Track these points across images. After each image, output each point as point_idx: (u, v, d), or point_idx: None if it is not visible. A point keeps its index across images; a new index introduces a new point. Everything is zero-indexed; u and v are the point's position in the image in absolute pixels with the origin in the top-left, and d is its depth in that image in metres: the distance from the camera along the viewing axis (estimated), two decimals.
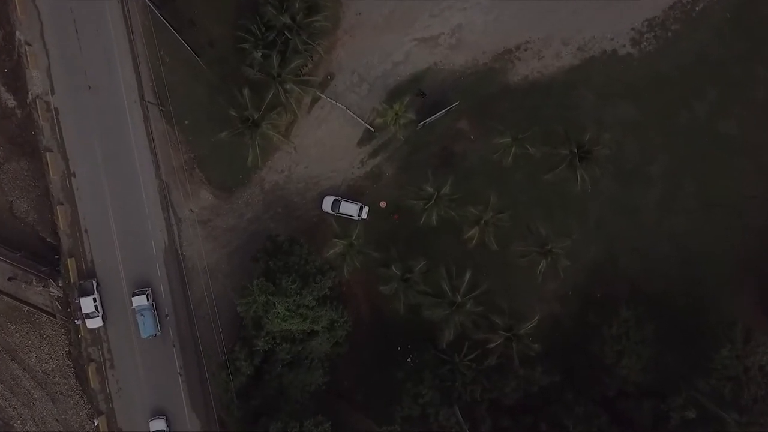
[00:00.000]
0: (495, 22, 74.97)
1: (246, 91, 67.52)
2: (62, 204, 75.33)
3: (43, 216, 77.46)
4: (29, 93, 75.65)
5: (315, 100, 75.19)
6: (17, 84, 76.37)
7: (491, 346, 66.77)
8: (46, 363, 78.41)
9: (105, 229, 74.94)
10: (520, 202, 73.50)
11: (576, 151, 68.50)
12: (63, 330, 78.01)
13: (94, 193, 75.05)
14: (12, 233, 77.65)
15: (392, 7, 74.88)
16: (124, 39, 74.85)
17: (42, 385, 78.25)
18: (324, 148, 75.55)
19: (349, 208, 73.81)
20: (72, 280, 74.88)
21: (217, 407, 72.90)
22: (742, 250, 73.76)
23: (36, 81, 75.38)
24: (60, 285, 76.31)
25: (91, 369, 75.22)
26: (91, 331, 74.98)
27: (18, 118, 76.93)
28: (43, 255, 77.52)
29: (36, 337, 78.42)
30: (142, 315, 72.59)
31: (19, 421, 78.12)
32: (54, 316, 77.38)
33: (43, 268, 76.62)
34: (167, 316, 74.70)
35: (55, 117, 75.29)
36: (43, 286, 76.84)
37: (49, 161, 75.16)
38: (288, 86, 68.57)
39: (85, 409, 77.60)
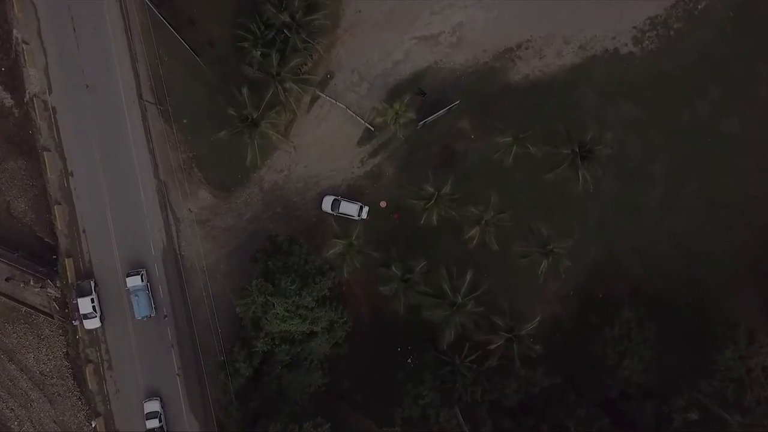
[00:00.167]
0: (496, 20, 74.77)
1: (245, 90, 67.33)
2: (60, 204, 75.02)
3: (41, 216, 77.20)
4: (26, 92, 75.44)
5: (314, 99, 74.96)
6: (14, 83, 76.14)
7: (492, 347, 66.53)
8: (43, 364, 78.09)
9: (103, 229, 74.68)
10: (521, 202, 73.27)
11: (577, 150, 68.26)
12: (61, 331, 77.70)
13: (92, 193, 74.79)
14: (9, 233, 77.41)
15: (392, 5, 74.66)
16: (122, 37, 74.64)
17: (39, 386, 77.90)
18: (323, 148, 75.28)
19: (349, 208, 73.57)
20: (70, 281, 74.65)
21: (216, 409, 72.66)
22: (744, 249, 73.47)
23: (33, 80, 75.14)
24: (58, 285, 75.99)
25: (88, 370, 74.91)
26: (89, 331, 74.69)
27: (15, 117, 76.71)
28: (41, 255, 77.24)
29: (33, 338, 78.13)
30: (136, 296, 72.37)
31: (16, 423, 77.76)
32: (52, 316, 77.07)
33: (41, 269, 76.30)
34: (165, 317, 74.41)
35: (52, 116, 75.05)
36: (40, 287, 76.49)
37: (46, 160, 74.88)
38: (287, 85, 68.39)
39: (83, 410, 77.14)
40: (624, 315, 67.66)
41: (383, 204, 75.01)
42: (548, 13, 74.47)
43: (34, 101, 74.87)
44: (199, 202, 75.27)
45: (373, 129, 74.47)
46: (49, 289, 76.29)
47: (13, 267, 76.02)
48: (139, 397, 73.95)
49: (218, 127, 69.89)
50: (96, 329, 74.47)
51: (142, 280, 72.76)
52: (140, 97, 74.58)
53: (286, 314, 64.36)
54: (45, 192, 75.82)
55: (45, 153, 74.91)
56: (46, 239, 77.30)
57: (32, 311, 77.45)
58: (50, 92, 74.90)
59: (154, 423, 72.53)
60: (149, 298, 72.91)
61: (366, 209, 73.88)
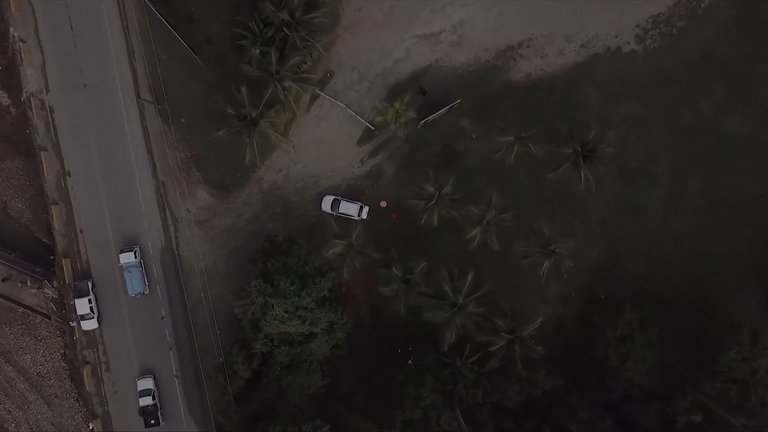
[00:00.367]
0: (497, 18, 74.48)
1: (244, 89, 67.07)
2: (57, 204, 74.63)
3: (38, 216, 76.73)
4: (23, 91, 75.08)
5: (314, 98, 74.61)
6: (11, 82, 75.72)
7: (493, 348, 66.22)
8: (41, 365, 77.63)
9: (100, 229, 74.29)
10: (522, 202, 72.95)
11: (580, 149, 68.03)
12: (58, 332, 77.20)
13: (90, 193, 74.38)
14: (6, 233, 76.91)
15: (393, 3, 74.35)
16: (120, 36, 74.26)
17: (37, 387, 77.45)
18: (323, 147, 74.91)
19: (349, 208, 73.24)
20: (67, 281, 74.32)
21: (215, 411, 72.14)
22: (748, 249, 73.13)
23: (30, 79, 74.79)
24: (55, 286, 75.60)
25: (86, 371, 74.54)
26: (87, 333, 74.31)
27: (12, 116, 76.28)
28: (38, 255, 76.73)
29: (31, 339, 77.65)
30: (129, 272, 72.02)
31: (13, 425, 77.31)
32: (49, 317, 76.62)
33: (38, 269, 75.83)
34: (163, 318, 73.98)
35: (49, 115, 74.67)
36: (38, 288, 76.09)
37: (43, 160, 74.51)
38: (287, 84, 68.12)
39: (81, 412, 76.62)
40: (626, 316, 67.39)
41: (383, 204, 74.67)
42: (550, 11, 74.15)
43: (31, 100, 74.51)
44: (198, 202, 74.92)
45: (373, 128, 74.11)
46: (46, 290, 75.88)
47: (10, 267, 75.53)
48: (137, 399, 73.31)
49: (217, 126, 69.47)
50: (93, 330, 74.05)
51: (135, 257, 72.37)
52: (138, 95, 74.20)
53: (286, 315, 64.09)
54: (42, 192, 75.43)
55: (42, 152, 74.53)
56: (43, 239, 76.83)
57: (29, 312, 76.87)
58: (47, 91, 74.53)
59: (147, 400, 72.35)
60: (142, 275, 72.54)
61: (366, 209, 73.58)
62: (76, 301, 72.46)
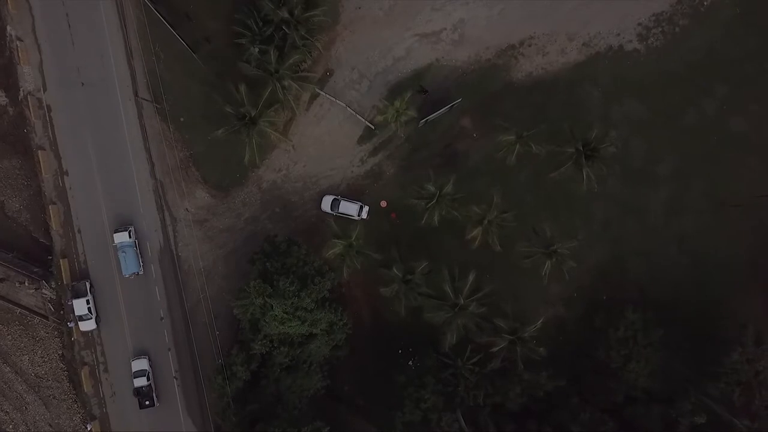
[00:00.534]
0: (498, 16, 74.11)
1: (243, 88, 66.84)
2: (55, 203, 74.22)
3: (36, 215, 76.41)
4: (21, 90, 74.70)
5: (314, 96, 74.28)
6: (8, 80, 75.34)
7: (495, 349, 66.15)
8: (38, 366, 77.40)
9: (99, 229, 73.85)
10: (524, 202, 72.71)
11: (582, 149, 67.72)
12: (56, 332, 76.93)
13: (87, 193, 73.96)
14: (4, 233, 76.64)
15: (393, 1, 74.00)
16: (118, 34, 73.87)
17: (35, 388, 77.18)
18: (323, 146, 74.54)
19: (349, 208, 72.98)
20: (65, 282, 73.90)
21: (213, 413, 71.76)
22: (752, 250, 72.81)
23: (28, 77, 74.42)
24: (53, 286, 75.23)
25: (84, 373, 74.18)
26: (85, 333, 73.89)
27: (9, 115, 75.97)
28: (36, 255, 76.42)
29: (28, 340, 77.39)
30: (123, 252, 71.58)
31: (11, 426, 77.17)
32: (47, 318, 76.37)
33: (36, 269, 75.48)
34: (162, 319, 73.56)
35: (47, 114, 74.29)
36: (35, 288, 75.82)
37: (41, 159, 74.11)
38: (286, 82, 67.87)
39: (79, 413, 76.43)
40: (629, 317, 67.21)
41: (384, 204, 74.35)
42: (551, 9, 73.78)
43: (29, 99, 74.12)
44: (197, 201, 74.56)
45: (373, 127, 73.82)
46: (44, 290, 75.60)
47: (7, 268, 75.23)
48: (135, 401, 72.84)
49: (216, 125, 69.07)
50: (91, 331, 73.61)
51: (130, 237, 71.93)
52: (136, 94, 73.82)
53: (285, 316, 63.85)
54: (40, 191, 75.02)
55: (40, 152, 74.16)
56: (41, 239, 76.53)
57: (27, 313, 76.63)
58: (45, 90, 74.17)
59: (142, 381, 72.01)
60: (137, 255, 72.12)
61: (366, 209, 73.33)
62: (74, 301, 72.08)
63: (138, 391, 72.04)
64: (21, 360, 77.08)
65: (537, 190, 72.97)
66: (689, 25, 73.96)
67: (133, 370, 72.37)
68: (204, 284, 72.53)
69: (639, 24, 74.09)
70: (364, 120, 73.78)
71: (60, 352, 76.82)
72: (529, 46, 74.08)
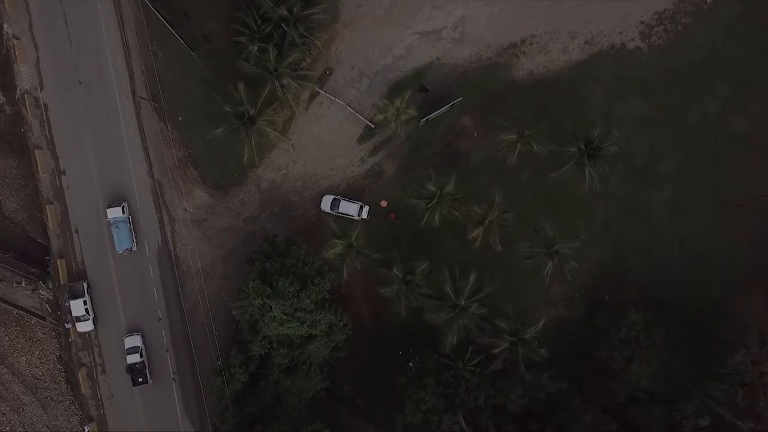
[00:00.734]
0: (500, 14, 73.88)
1: (242, 86, 66.66)
2: (52, 203, 73.93)
3: (33, 215, 76.06)
4: (17, 88, 74.43)
5: (313, 95, 74.02)
6: (5, 79, 75.07)
7: (496, 350, 65.82)
8: (36, 367, 77.09)
9: (96, 230, 73.54)
10: (525, 202, 72.44)
11: (584, 148, 67.36)
12: (53, 333, 76.61)
13: (85, 192, 73.71)
14: (0, 233, 76.18)
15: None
16: (115, 32, 73.58)
17: (32, 390, 76.84)
18: (323, 146, 74.24)
19: (349, 208, 72.71)
20: (62, 282, 73.59)
21: (212, 414, 71.52)
22: (755, 250, 72.42)
23: (24, 76, 74.18)
24: (50, 287, 74.88)
25: (81, 374, 73.93)
26: (82, 334, 73.62)
27: (6, 114, 75.70)
28: (33, 256, 75.99)
29: (26, 341, 77.07)
30: (117, 228, 71.49)
31: (8, 428, 77.00)
32: (44, 319, 76.06)
33: (33, 270, 75.14)
34: (160, 319, 73.14)
35: (44, 113, 74.02)
36: (33, 289, 75.53)
37: (38, 159, 73.83)
38: (285, 81, 67.66)
39: (76, 415, 76.13)
40: (631, 317, 66.93)
41: (384, 203, 74.06)
42: (553, 7, 73.48)
43: (26, 98, 73.90)
44: (195, 201, 74.26)
45: (373, 126, 73.56)
46: (41, 291, 75.31)
47: (4, 268, 74.91)
48: (133, 402, 72.72)
49: (214, 124, 68.76)
50: (89, 332, 73.29)
51: (123, 212, 71.76)
52: (134, 93, 73.57)
53: (284, 317, 63.62)
54: (37, 191, 74.72)
55: (37, 151, 73.90)
56: (38, 239, 76.12)
57: (24, 314, 76.27)
58: (42, 89, 73.87)
59: (135, 358, 71.59)
60: (130, 231, 71.96)
61: (366, 209, 73.08)
62: (71, 302, 71.74)
63: (131, 368, 71.52)
64: (18, 361, 76.78)
65: (538, 189, 72.66)
66: (692, 24, 73.63)
67: (126, 347, 71.74)
68: (202, 285, 72.26)
69: (641, 22, 73.75)
70: (364, 119, 73.49)
71: (57, 354, 76.50)
72: (531, 44, 73.72)
